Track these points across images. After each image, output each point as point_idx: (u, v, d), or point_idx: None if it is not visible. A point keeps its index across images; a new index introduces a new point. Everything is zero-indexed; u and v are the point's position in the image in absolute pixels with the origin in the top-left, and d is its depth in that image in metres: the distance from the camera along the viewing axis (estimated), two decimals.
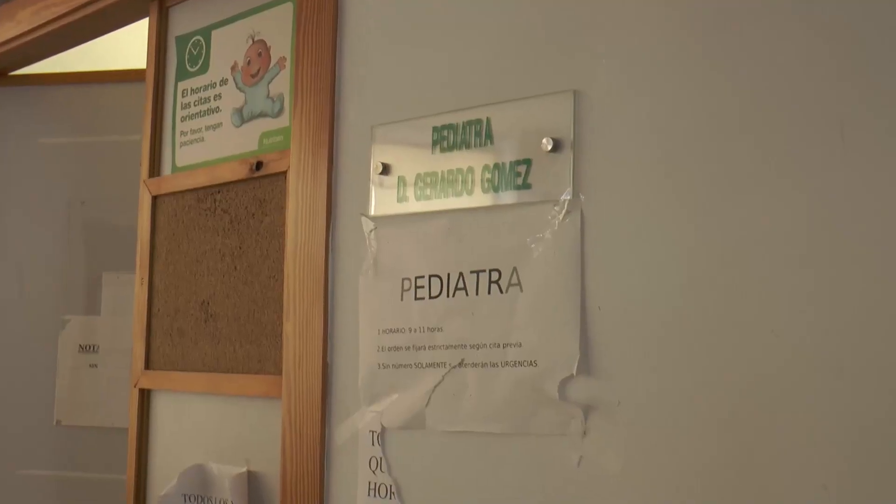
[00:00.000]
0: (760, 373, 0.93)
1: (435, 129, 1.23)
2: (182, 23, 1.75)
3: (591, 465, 1.05)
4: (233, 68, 1.62)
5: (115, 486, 2.19)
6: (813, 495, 0.88)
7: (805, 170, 0.92)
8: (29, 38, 2.15)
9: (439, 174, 1.22)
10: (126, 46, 2.29)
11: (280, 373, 1.43)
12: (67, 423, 2.35)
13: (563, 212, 1.09)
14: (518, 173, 1.14)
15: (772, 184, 0.94)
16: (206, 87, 1.67)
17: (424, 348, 1.21)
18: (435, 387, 1.20)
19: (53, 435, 2.37)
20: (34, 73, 2.44)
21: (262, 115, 1.55)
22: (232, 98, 1.61)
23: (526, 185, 1.13)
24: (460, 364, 1.17)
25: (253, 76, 1.58)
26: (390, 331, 1.25)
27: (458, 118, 1.21)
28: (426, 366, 1.21)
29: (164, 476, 1.65)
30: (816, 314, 0.90)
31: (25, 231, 2.43)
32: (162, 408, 1.68)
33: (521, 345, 1.12)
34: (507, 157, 1.15)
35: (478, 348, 1.16)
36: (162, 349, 1.68)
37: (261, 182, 1.52)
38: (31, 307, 2.41)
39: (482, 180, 1.17)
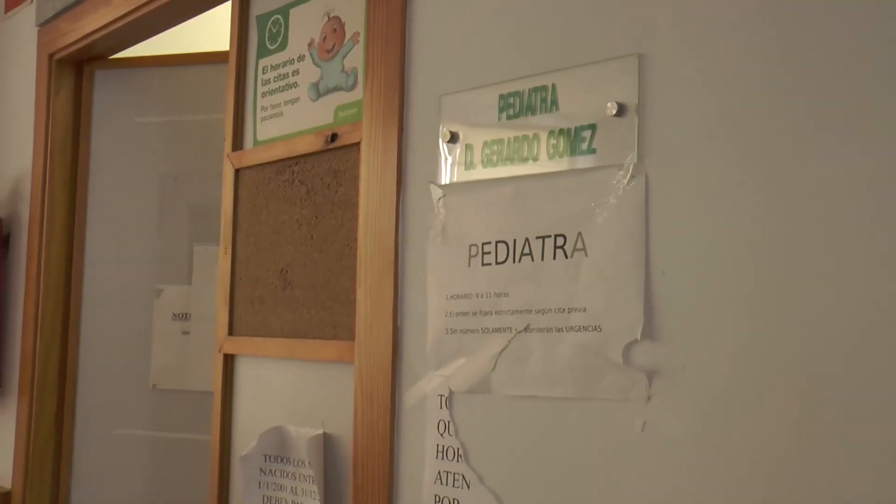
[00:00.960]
0: (827, 336, 0.88)
1: (501, 96, 1.20)
2: (262, 3, 1.75)
3: (655, 430, 1.01)
4: (309, 45, 1.61)
5: (205, 446, 2.23)
6: (883, 461, 0.83)
7: (872, 130, 0.86)
8: (123, 22, 2.19)
9: (505, 141, 1.19)
10: (208, 30, 2.31)
11: (353, 338, 1.42)
12: (162, 386, 2.40)
13: (628, 176, 1.05)
14: (583, 138, 1.10)
15: (837, 145, 0.88)
16: (284, 64, 1.67)
17: (491, 313, 1.19)
18: (501, 351, 1.17)
19: (149, 398, 2.42)
20: (130, 57, 2.48)
21: (336, 88, 1.54)
22: (309, 73, 1.60)
23: (591, 150, 1.09)
24: (526, 329, 1.14)
25: (328, 52, 1.57)
26: (457, 296, 1.23)
27: (524, 85, 1.17)
28: (492, 331, 1.18)
29: (247, 437, 1.66)
30: (889, 275, 0.84)
31: (123, 205, 2.48)
32: (244, 372, 1.70)
33: (585, 310, 1.08)
34: (572, 123, 1.11)
35: (543, 313, 1.13)
36: (244, 316, 1.69)
37: (335, 153, 1.51)
38: (128, 277, 2.46)
39: (547, 146, 1.14)
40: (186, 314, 2.37)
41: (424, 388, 1.28)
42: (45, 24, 2.51)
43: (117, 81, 2.51)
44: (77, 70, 2.51)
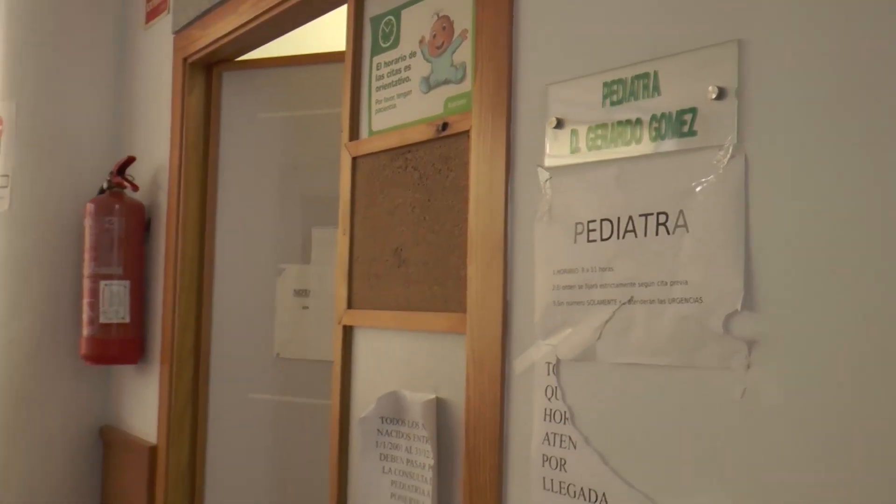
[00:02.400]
0: None
1: (605, 84, 1.18)
2: (375, 5, 1.77)
3: (754, 397, 0.99)
4: (420, 42, 1.62)
5: (323, 410, 2.27)
6: None
7: None
8: (248, 28, 2.24)
9: (609, 126, 1.17)
10: (315, 33, 2.35)
11: (463, 311, 1.43)
12: (285, 355, 2.45)
13: (728, 156, 1.02)
14: (684, 121, 1.08)
15: None
16: (397, 61, 1.68)
17: (596, 286, 1.17)
18: (605, 322, 1.16)
19: (273, 365, 2.48)
20: (253, 59, 2.53)
21: (446, 81, 1.54)
22: (420, 68, 1.61)
23: (692, 133, 1.07)
24: (629, 301, 1.13)
25: (438, 48, 1.57)
26: (564, 271, 1.22)
27: (627, 73, 1.15)
28: (597, 303, 1.17)
29: (364, 401, 1.69)
30: None
31: (248, 193, 2.54)
32: (361, 342, 1.72)
33: (686, 282, 1.06)
34: (674, 107, 1.09)
35: (646, 286, 1.11)
36: (361, 291, 1.71)
37: (446, 141, 1.52)
38: (254, 257, 2.52)
39: (650, 129, 1.12)
40: (306, 290, 2.42)
41: (533, 356, 1.27)
42: (179, 32, 2.58)
43: (242, 81, 2.56)
44: (207, 72, 2.58)
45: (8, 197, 2.82)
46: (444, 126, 1.50)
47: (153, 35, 2.79)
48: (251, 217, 2.53)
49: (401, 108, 1.64)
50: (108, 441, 2.89)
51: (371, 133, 1.71)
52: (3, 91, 2.88)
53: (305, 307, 2.41)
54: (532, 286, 1.28)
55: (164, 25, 2.69)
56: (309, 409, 2.40)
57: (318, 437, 2.34)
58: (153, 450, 2.57)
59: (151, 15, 2.80)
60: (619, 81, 1.16)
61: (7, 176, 2.83)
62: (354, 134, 1.75)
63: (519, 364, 1.30)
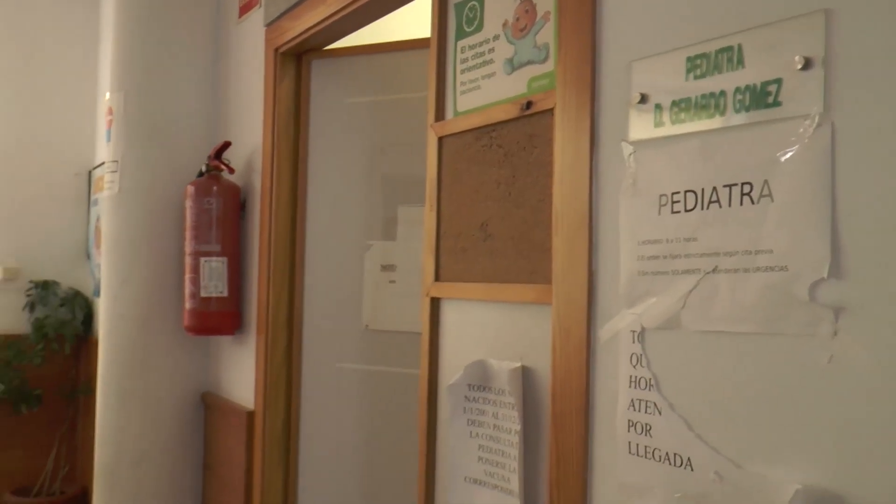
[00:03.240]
0: None
1: (688, 58, 1.16)
2: None
3: (841, 363, 0.97)
4: (503, 25, 1.61)
5: (409, 378, 2.31)
6: None
7: None
8: (336, 18, 2.26)
9: (692, 99, 1.15)
10: (403, 20, 2.35)
11: (548, 282, 1.43)
12: (373, 327, 2.49)
13: (815, 126, 1.00)
14: (768, 92, 1.05)
15: None
16: (481, 44, 1.67)
17: (680, 256, 1.16)
18: (690, 291, 1.14)
19: (363, 336, 2.52)
20: (340, 47, 2.56)
21: (529, 62, 1.53)
22: (503, 50, 1.60)
23: (776, 103, 1.04)
24: (714, 270, 1.11)
25: (521, 30, 1.56)
26: (648, 242, 1.21)
27: (711, 47, 1.13)
28: (682, 272, 1.16)
29: (451, 369, 1.70)
30: None
31: (336, 173, 2.58)
32: (448, 313, 1.73)
33: (772, 251, 1.04)
34: (758, 78, 1.06)
35: (730, 255, 1.09)
36: (447, 264, 1.72)
37: (529, 120, 1.51)
38: (342, 234, 2.56)
39: (734, 101, 1.09)
40: (392, 265, 2.45)
41: (618, 325, 1.27)
42: (270, 24, 2.62)
43: (330, 68, 2.60)
44: (297, 61, 2.62)
45: (118, 181, 2.93)
46: (528, 105, 1.50)
47: (246, 28, 2.85)
48: (339, 196, 2.56)
49: (485, 89, 1.64)
50: (209, 406, 2.99)
51: (456, 114, 1.72)
52: (113, 84, 2.98)
53: (392, 281, 2.44)
54: (616, 257, 1.27)
55: (257, 18, 2.74)
56: (395, 378, 2.43)
57: (404, 404, 2.38)
58: (251, 414, 2.65)
59: (244, 9, 2.86)
60: (703, 56, 1.14)
61: (117, 161, 2.93)
62: (440, 115, 1.76)
63: (604, 332, 1.30)
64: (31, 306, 4.45)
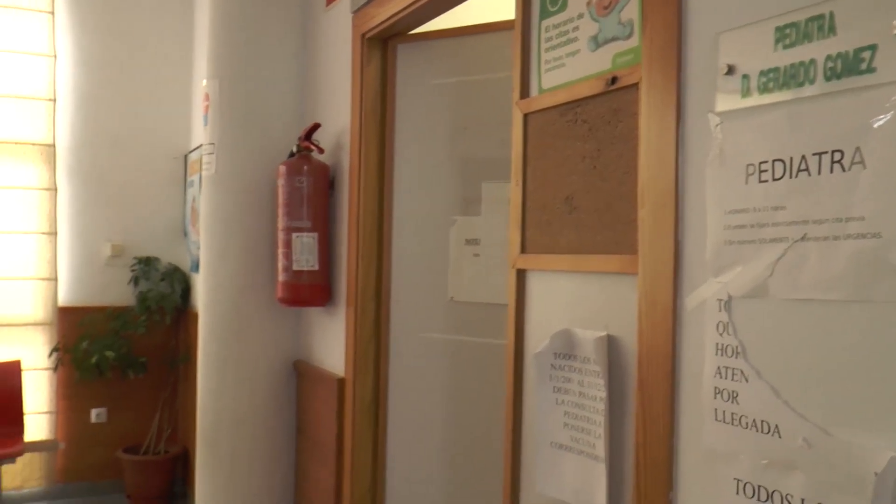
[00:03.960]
0: None
1: (777, 28, 1.13)
2: None
3: None
4: (588, 4, 1.60)
5: (493, 348, 2.33)
6: None
7: None
8: (420, 3, 2.28)
9: (781, 69, 1.13)
10: (486, 3, 2.36)
11: (633, 253, 1.42)
12: (458, 298, 2.52)
13: None
14: (861, 59, 1.02)
15: None
16: (565, 23, 1.66)
17: (767, 225, 1.14)
18: (778, 259, 1.13)
19: (448, 307, 2.55)
20: (425, 31, 2.58)
21: (614, 39, 1.52)
22: (587, 28, 1.59)
23: (870, 70, 1.01)
24: (802, 238, 1.09)
25: (605, 8, 1.55)
26: (735, 211, 1.19)
27: (801, 16, 1.10)
28: (769, 241, 1.14)
29: (537, 338, 1.71)
30: None
31: (422, 152, 2.61)
32: (534, 284, 1.74)
33: (864, 218, 1.02)
34: (851, 45, 1.03)
35: (819, 223, 1.07)
36: (533, 237, 1.73)
37: (615, 94, 1.50)
38: (428, 210, 2.59)
39: (824, 69, 1.07)
40: (477, 240, 2.46)
41: (704, 293, 1.26)
42: (357, 11, 2.65)
43: (415, 52, 2.62)
44: (383, 45, 2.65)
45: (214, 162, 3.02)
46: (614, 80, 1.49)
47: (333, 15, 2.89)
48: (425, 174, 2.59)
49: (570, 66, 1.63)
50: (301, 373, 3.08)
51: (541, 91, 1.72)
52: (209, 71, 3.07)
53: (476, 255, 2.46)
54: (703, 227, 1.26)
55: (344, 6, 2.78)
56: (480, 348, 2.46)
57: (488, 373, 2.40)
58: (341, 382, 2.72)
59: None
60: (793, 25, 1.11)
61: (213, 144, 3.03)
62: (525, 92, 1.76)
63: (690, 301, 1.29)
64: (136, 280, 4.65)
